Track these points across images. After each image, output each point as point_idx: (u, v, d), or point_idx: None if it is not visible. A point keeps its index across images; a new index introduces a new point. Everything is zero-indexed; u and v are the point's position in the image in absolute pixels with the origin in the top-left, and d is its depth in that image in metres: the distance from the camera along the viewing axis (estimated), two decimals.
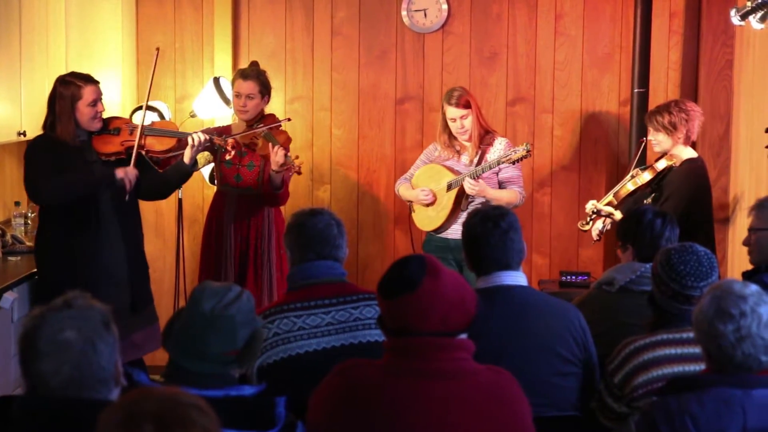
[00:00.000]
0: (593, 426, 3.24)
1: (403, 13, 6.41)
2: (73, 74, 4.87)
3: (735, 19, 4.86)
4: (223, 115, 6.17)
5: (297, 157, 5.33)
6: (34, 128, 5.42)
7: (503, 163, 5.29)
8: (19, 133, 5.24)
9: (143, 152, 4.95)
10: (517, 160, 5.26)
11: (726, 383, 2.58)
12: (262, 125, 5.38)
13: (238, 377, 2.67)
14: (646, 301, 3.31)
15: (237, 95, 5.39)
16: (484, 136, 5.51)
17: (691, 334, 2.74)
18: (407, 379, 2.56)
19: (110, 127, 4.93)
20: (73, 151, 4.79)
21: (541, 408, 3.03)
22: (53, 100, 4.79)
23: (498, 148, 5.47)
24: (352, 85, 6.50)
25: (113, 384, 2.25)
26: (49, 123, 4.82)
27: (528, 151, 5.23)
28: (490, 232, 3.30)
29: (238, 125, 5.52)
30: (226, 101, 6.04)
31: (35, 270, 4.92)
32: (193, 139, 4.92)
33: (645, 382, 3.06)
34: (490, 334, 3.12)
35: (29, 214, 6.03)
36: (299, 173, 5.38)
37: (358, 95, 6.50)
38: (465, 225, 3.42)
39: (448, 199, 5.46)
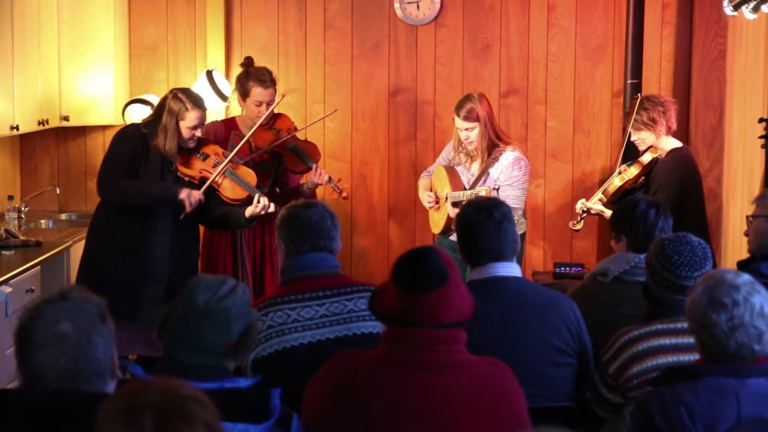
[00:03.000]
0: (588, 416, 3.25)
1: (396, 5, 6.41)
2: (187, 93, 4.89)
3: (728, 9, 4.86)
4: (216, 108, 6.16)
5: (340, 180, 5.43)
6: (26, 122, 5.42)
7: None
8: (12, 127, 5.24)
9: (215, 186, 4.95)
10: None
11: (720, 373, 2.59)
12: (283, 132, 5.42)
13: (233, 370, 2.67)
14: (641, 292, 3.31)
15: (258, 104, 5.36)
16: (492, 149, 5.38)
17: (686, 324, 2.75)
18: (402, 370, 2.56)
19: (201, 149, 4.95)
20: (157, 154, 4.84)
21: (535, 398, 3.04)
22: (161, 109, 4.84)
23: (503, 164, 5.33)
24: (345, 77, 6.49)
25: (109, 377, 2.25)
26: (148, 122, 4.88)
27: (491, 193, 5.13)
28: (483, 223, 3.31)
29: (243, 120, 5.46)
30: (219, 94, 6.04)
31: (29, 264, 4.92)
32: (259, 202, 4.88)
33: (639, 373, 3.07)
34: (485, 326, 3.12)
35: (22, 208, 6.03)
36: (345, 198, 5.49)
37: (351, 88, 6.50)
38: (459, 216, 3.43)
39: (445, 209, 5.44)
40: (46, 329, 2.19)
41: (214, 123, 5.51)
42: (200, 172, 4.92)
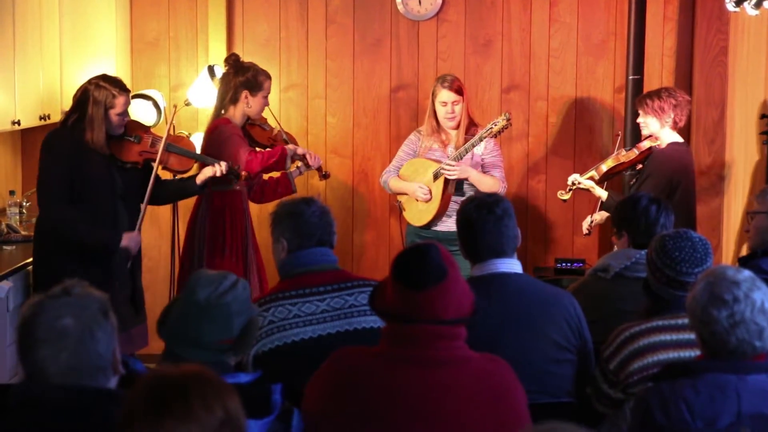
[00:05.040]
0: (588, 412, 3.25)
1: (398, 0, 6.40)
2: (106, 79, 4.79)
3: (730, 5, 4.87)
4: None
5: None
6: (28, 117, 5.42)
7: (485, 137, 5.31)
8: (13, 122, 5.23)
9: (161, 167, 4.95)
10: (499, 132, 5.30)
11: (720, 369, 2.59)
12: (266, 124, 5.49)
13: (234, 365, 2.68)
14: (641, 288, 3.32)
15: (266, 96, 5.37)
16: (469, 128, 5.52)
17: (686, 321, 2.75)
18: (402, 366, 2.57)
19: (131, 133, 4.89)
20: (95, 151, 4.74)
21: (536, 395, 3.04)
22: (84, 102, 4.72)
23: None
24: (346, 73, 6.49)
25: (111, 372, 2.26)
26: (73, 121, 4.75)
27: (508, 120, 5.27)
28: (484, 219, 3.31)
29: (238, 120, 5.42)
30: None
31: (31, 259, 4.92)
32: (215, 168, 4.90)
33: (640, 368, 3.07)
34: (485, 322, 3.12)
35: (24, 204, 6.03)
36: (327, 176, 5.55)
37: (352, 83, 6.49)
38: (460, 212, 3.43)
39: (436, 189, 5.45)
40: (48, 324, 2.19)
41: (233, 126, 5.33)
42: (141, 155, 4.87)
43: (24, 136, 6.40)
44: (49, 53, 5.65)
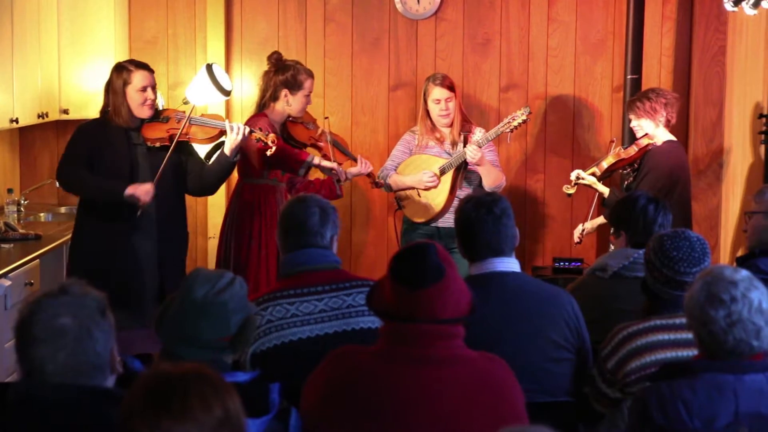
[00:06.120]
0: (586, 411, 3.25)
1: None
2: (129, 60, 4.96)
3: (728, 5, 4.87)
4: (217, 102, 6.15)
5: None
6: (26, 115, 5.43)
7: (502, 131, 5.33)
8: (12, 120, 5.24)
9: (186, 139, 4.96)
10: (517, 126, 5.32)
11: (718, 369, 2.59)
12: (312, 124, 5.48)
13: (232, 364, 2.67)
14: (639, 287, 3.32)
15: (308, 94, 5.37)
16: (463, 125, 5.55)
17: (684, 320, 2.75)
18: (401, 365, 2.57)
19: (161, 116, 4.97)
20: (120, 132, 4.83)
21: (534, 394, 3.04)
22: (108, 85, 4.87)
23: (479, 136, 5.49)
24: (345, 72, 6.49)
25: (109, 371, 2.26)
26: (103, 108, 4.88)
27: (528, 115, 5.32)
28: (483, 218, 3.31)
29: (278, 118, 5.39)
30: (220, 88, 6.01)
31: (29, 257, 4.92)
32: (232, 129, 4.87)
33: (638, 368, 3.07)
34: (484, 321, 3.12)
35: (22, 202, 6.03)
36: (380, 186, 5.49)
37: (351, 82, 6.49)
38: (458, 211, 3.43)
39: (443, 184, 5.46)
40: (46, 323, 2.19)
41: (267, 120, 5.31)
42: (167, 132, 4.91)
43: (22, 134, 6.40)
44: (48, 51, 5.65)
